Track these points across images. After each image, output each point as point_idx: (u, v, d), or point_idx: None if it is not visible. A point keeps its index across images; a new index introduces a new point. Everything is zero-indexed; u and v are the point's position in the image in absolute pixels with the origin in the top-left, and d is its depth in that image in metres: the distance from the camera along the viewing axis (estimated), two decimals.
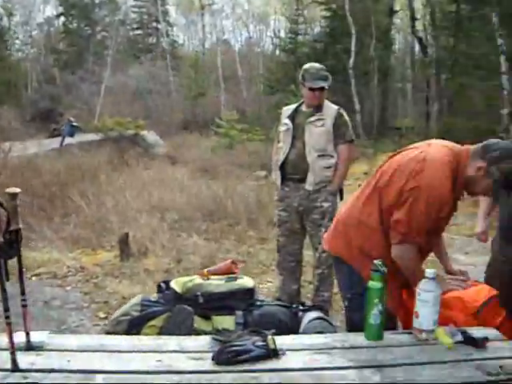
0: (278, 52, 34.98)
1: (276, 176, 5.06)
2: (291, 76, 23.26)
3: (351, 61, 26.14)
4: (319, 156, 4.82)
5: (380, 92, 29.80)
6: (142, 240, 7.38)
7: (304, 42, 30.46)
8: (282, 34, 36.40)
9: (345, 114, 5.01)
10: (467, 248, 7.64)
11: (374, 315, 2.51)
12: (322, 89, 4.89)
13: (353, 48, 26.11)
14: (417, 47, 31.72)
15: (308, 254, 5.56)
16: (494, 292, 3.01)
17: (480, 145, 2.82)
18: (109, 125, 20.05)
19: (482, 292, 3.06)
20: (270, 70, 32.65)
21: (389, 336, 2.61)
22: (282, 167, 4.99)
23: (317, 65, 5.07)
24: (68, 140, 20.37)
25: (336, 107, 5.01)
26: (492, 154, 2.73)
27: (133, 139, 19.62)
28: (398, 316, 3.00)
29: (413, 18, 27.62)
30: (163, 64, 37.42)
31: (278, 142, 5.11)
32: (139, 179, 12.37)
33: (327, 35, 29.56)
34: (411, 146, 3.01)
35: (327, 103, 5.03)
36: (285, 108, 5.24)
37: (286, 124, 5.01)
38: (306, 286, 5.67)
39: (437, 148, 2.85)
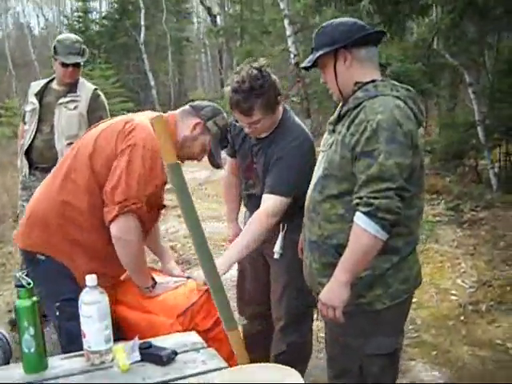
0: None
1: (22, 163, 4.33)
2: None
3: (142, 36, 25.45)
4: (69, 144, 3.90)
5: (176, 65, 29.42)
6: None
7: (94, 20, 29.03)
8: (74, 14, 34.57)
9: (102, 94, 4.40)
10: None
11: (26, 341, 1.92)
12: (76, 65, 4.24)
13: (142, 22, 25.42)
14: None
15: None
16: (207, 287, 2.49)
17: (186, 106, 2.80)
18: None
19: (196, 289, 2.61)
20: None
21: (54, 363, 2.03)
22: (29, 154, 4.28)
23: (73, 36, 4.44)
24: None
25: (93, 87, 4.39)
26: (205, 110, 2.73)
27: None
28: None
29: None
30: None
31: (25, 123, 4.37)
32: None
33: (116, 11, 28.39)
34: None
35: (83, 81, 4.41)
36: (33, 83, 4.49)
37: (32, 103, 4.29)
38: None
39: (139, 115, 2.69)
